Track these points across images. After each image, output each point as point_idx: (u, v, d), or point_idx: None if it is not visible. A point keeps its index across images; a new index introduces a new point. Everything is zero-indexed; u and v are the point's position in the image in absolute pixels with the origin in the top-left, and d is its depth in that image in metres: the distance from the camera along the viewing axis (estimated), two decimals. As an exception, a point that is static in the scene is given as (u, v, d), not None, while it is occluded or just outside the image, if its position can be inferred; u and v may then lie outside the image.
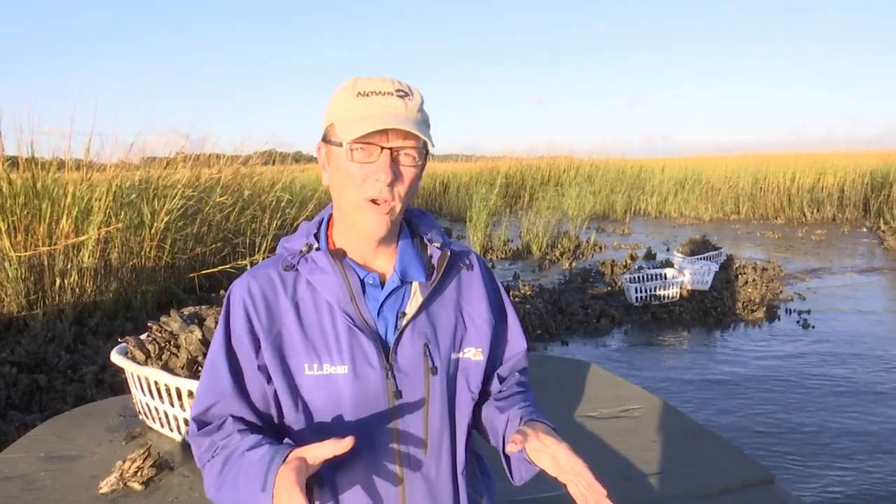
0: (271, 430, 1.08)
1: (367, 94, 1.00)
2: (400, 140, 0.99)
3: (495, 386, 1.21)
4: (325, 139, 1.07)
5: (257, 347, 1.04)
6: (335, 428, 1.04)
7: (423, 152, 1.03)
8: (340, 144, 1.00)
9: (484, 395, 1.20)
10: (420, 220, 1.18)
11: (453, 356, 1.11)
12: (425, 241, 1.16)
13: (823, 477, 3.53)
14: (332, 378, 1.03)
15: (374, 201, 1.00)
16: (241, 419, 1.05)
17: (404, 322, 1.06)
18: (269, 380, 1.05)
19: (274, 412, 1.07)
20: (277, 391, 1.04)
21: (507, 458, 1.11)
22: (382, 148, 0.99)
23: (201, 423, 1.05)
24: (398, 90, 1.01)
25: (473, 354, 1.13)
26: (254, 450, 0.95)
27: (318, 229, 1.13)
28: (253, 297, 1.05)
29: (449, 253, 1.13)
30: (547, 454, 0.98)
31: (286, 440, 0.99)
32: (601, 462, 2.34)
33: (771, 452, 3.82)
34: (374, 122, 0.97)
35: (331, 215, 1.13)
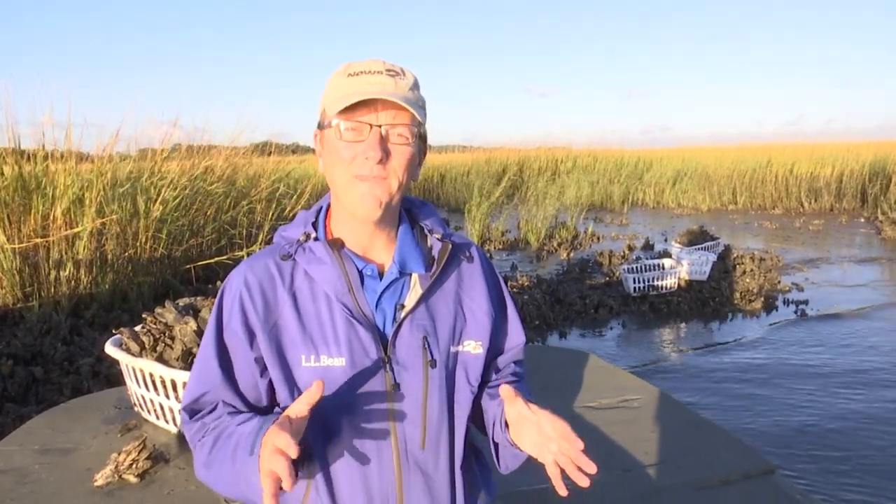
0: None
1: (357, 74, 1.00)
2: (390, 118, 0.98)
3: (492, 375, 1.21)
4: (320, 125, 1.06)
5: (252, 339, 1.03)
6: (332, 420, 1.03)
7: (417, 131, 1.01)
8: (331, 125, 0.99)
9: (481, 387, 1.19)
10: (420, 209, 1.17)
11: (452, 349, 1.10)
12: (425, 231, 1.15)
13: (824, 467, 3.53)
14: (329, 370, 1.01)
15: (362, 178, 0.99)
16: (231, 405, 1.05)
17: (403, 314, 1.05)
18: (262, 372, 1.04)
19: (265, 404, 1.07)
20: (274, 383, 1.03)
21: (496, 445, 1.11)
22: (372, 126, 0.97)
23: (192, 411, 1.06)
24: (389, 70, 1.00)
25: (473, 348, 1.12)
26: (244, 423, 0.96)
27: (316, 218, 1.11)
28: (250, 289, 1.04)
29: (450, 246, 1.11)
30: (530, 422, 0.97)
31: (275, 410, 1.00)
32: (601, 453, 2.33)
33: (771, 443, 3.82)
34: (359, 95, 0.96)
35: (329, 205, 1.12)
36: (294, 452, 0.81)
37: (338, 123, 0.98)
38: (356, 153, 0.98)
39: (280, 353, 1.02)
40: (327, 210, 1.12)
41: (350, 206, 1.02)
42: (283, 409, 1.04)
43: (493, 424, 1.11)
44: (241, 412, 1.04)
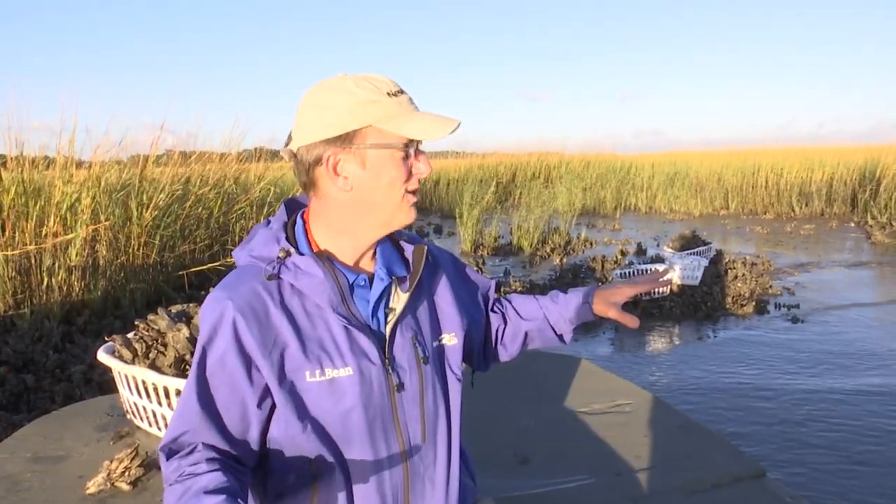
0: (246, 455, 1.06)
1: (395, 94, 1.05)
2: None
3: (498, 318, 1.39)
4: (352, 142, 1.02)
5: (248, 367, 1.01)
6: (342, 429, 1.05)
7: None
8: (398, 145, 1.04)
9: (490, 335, 1.38)
10: None
11: (435, 344, 1.16)
12: (394, 236, 1.20)
13: (815, 470, 3.55)
14: (335, 382, 1.03)
15: (414, 192, 1.09)
16: (212, 447, 1.02)
17: (394, 317, 1.10)
18: (260, 402, 1.03)
19: (254, 436, 1.05)
20: (278, 404, 1.03)
21: (553, 328, 1.37)
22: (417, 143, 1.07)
23: (170, 451, 1.02)
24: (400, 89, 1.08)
25: (449, 339, 1.19)
26: (210, 496, 0.90)
27: (287, 234, 1.11)
28: (243, 315, 1.01)
29: (425, 249, 1.17)
30: (624, 298, 1.33)
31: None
32: (593, 457, 2.34)
33: (762, 447, 3.84)
34: (441, 123, 1.04)
35: (304, 220, 1.12)
36: None
37: (405, 145, 1.04)
38: (410, 168, 1.07)
39: (282, 374, 1.02)
40: (304, 225, 1.12)
41: (400, 222, 1.10)
42: (292, 432, 1.03)
43: (554, 327, 1.37)
44: (222, 457, 1.01)
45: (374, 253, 1.14)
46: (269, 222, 1.13)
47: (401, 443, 1.09)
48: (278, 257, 1.05)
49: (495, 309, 1.40)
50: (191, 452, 1.00)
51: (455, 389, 1.18)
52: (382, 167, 1.04)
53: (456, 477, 1.16)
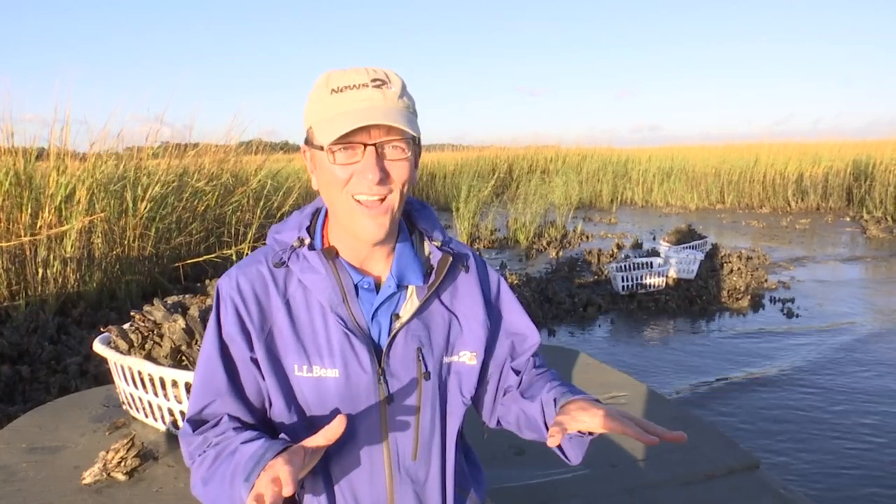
0: (266, 427, 1.05)
1: (341, 90, 0.94)
2: (383, 134, 0.94)
3: (513, 379, 1.19)
4: (308, 142, 1.02)
5: (250, 343, 1.01)
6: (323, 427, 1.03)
7: (412, 141, 0.97)
8: (322, 148, 0.95)
9: (499, 392, 1.20)
10: (420, 213, 1.14)
11: (446, 360, 1.08)
12: (424, 236, 1.12)
13: (808, 462, 3.57)
14: (321, 380, 1.00)
15: (362, 201, 0.96)
16: (236, 418, 1.02)
17: (398, 325, 1.03)
18: (263, 375, 1.03)
19: (268, 408, 1.05)
20: (269, 391, 1.02)
21: (546, 424, 1.08)
22: (366, 145, 0.93)
23: (196, 423, 1.02)
24: (374, 80, 0.95)
25: (468, 359, 1.10)
26: (249, 443, 0.92)
27: (312, 222, 1.09)
28: (243, 295, 1.02)
29: (451, 258, 1.08)
30: (591, 425, 0.95)
31: (281, 436, 0.97)
32: (588, 449, 2.34)
33: (756, 438, 3.86)
34: (350, 119, 0.92)
35: (326, 210, 1.09)
36: (290, 490, 0.77)
37: (329, 147, 0.94)
38: (352, 172, 0.95)
39: (275, 360, 1.01)
40: (325, 216, 1.09)
41: (352, 230, 1.00)
42: (279, 420, 1.03)
43: (546, 427, 1.07)
44: (245, 427, 1.01)
45: (391, 255, 1.07)
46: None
47: (387, 456, 1.04)
48: (292, 246, 1.04)
49: (517, 368, 1.20)
50: (217, 424, 1.01)
51: (457, 411, 1.09)
52: (322, 170, 0.98)
53: (451, 496, 1.11)
